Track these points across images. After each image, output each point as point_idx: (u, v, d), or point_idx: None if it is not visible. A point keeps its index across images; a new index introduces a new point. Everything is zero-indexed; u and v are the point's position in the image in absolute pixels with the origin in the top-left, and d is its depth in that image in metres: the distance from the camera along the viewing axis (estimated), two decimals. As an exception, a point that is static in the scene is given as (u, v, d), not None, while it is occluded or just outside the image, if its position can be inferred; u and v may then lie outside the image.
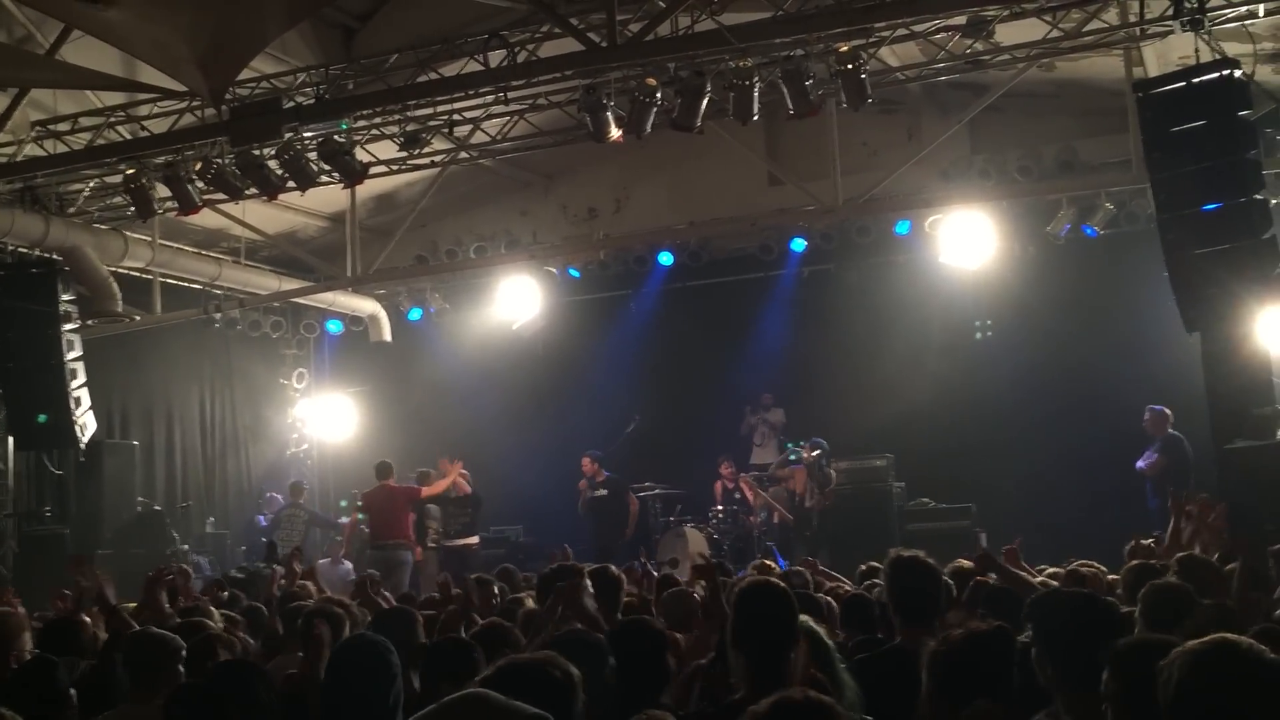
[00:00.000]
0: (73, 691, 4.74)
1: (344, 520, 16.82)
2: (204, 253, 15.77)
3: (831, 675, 4.24)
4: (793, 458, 15.16)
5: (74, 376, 13.04)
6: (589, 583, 5.95)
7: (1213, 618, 4.46)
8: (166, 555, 13.84)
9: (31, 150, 12.55)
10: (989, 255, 13.99)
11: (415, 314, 17.67)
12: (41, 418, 12.92)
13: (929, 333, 15.25)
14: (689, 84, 10.50)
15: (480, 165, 14.98)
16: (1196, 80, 9.56)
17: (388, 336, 17.86)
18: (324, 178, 12.28)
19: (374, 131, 12.64)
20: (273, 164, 11.95)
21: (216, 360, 17.85)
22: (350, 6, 12.73)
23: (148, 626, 5.43)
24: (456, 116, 12.28)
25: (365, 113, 12.03)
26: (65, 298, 13.08)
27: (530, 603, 6.86)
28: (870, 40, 10.71)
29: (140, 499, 15.22)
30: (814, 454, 14.62)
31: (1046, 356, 14.87)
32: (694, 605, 6.10)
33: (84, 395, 13.14)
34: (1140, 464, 12.83)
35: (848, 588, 7.56)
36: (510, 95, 11.63)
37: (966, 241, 13.92)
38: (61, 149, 12.50)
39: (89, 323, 13.83)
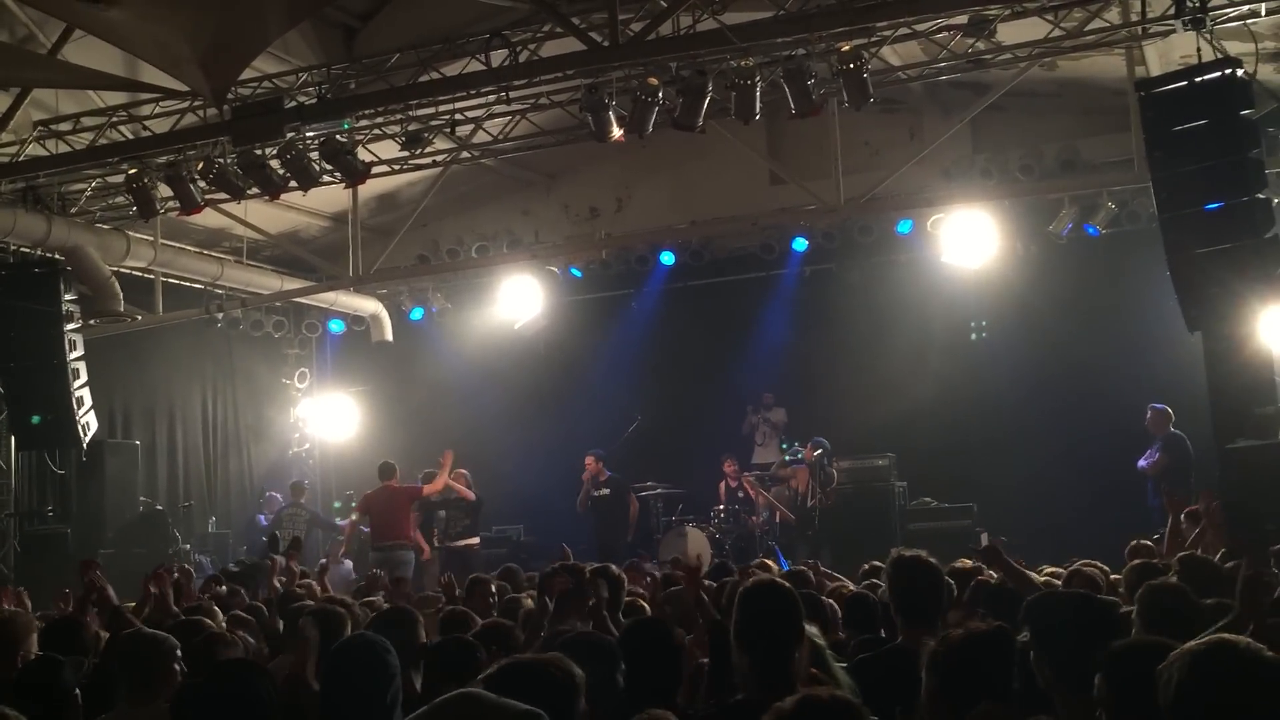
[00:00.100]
0: (77, 692, 4.75)
1: (342, 522, 16.84)
2: (206, 252, 15.78)
3: (827, 674, 4.24)
4: (788, 458, 15.17)
5: (76, 376, 13.04)
6: (602, 582, 5.96)
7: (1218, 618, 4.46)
8: (168, 555, 13.87)
9: (34, 150, 12.56)
10: (991, 255, 13.99)
11: (417, 313, 17.68)
12: (35, 419, 12.91)
13: (931, 332, 15.26)
14: (691, 83, 10.50)
15: (482, 165, 14.98)
16: (1198, 79, 9.54)
17: (389, 336, 17.87)
18: (326, 177, 12.29)
19: (376, 131, 12.64)
20: (274, 164, 11.96)
21: (218, 360, 17.86)
22: (352, 6, 12.72)
23: (140, 627, 5.44)
24: (458, 116, 12.27)
25: (367, 112, 12.03)
26: (67, 297, 13.08)
27: (529, 602, 6.87)
28: (872, 39, 10.71)
29: (142, 498, 15.23)
30: (816, 453, 14.62)
31: (1048, 356, 14.88)
32: (692, 605, 6.10)
33: (86, 395, 13.15)
34: (1142, 463, 12.84)
35: (850, 588, 7.56)
36: (512, 95, 11.63)
37: (968, 241, 13.92)
38: (64, 149, 12.51)
39: (91, 322, 13.83)
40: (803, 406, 16.12)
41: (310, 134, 11.69)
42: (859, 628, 5.99)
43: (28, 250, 13.20)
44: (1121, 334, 14.17)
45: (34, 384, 13.01)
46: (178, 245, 15.15)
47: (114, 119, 12.35)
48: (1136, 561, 6.84)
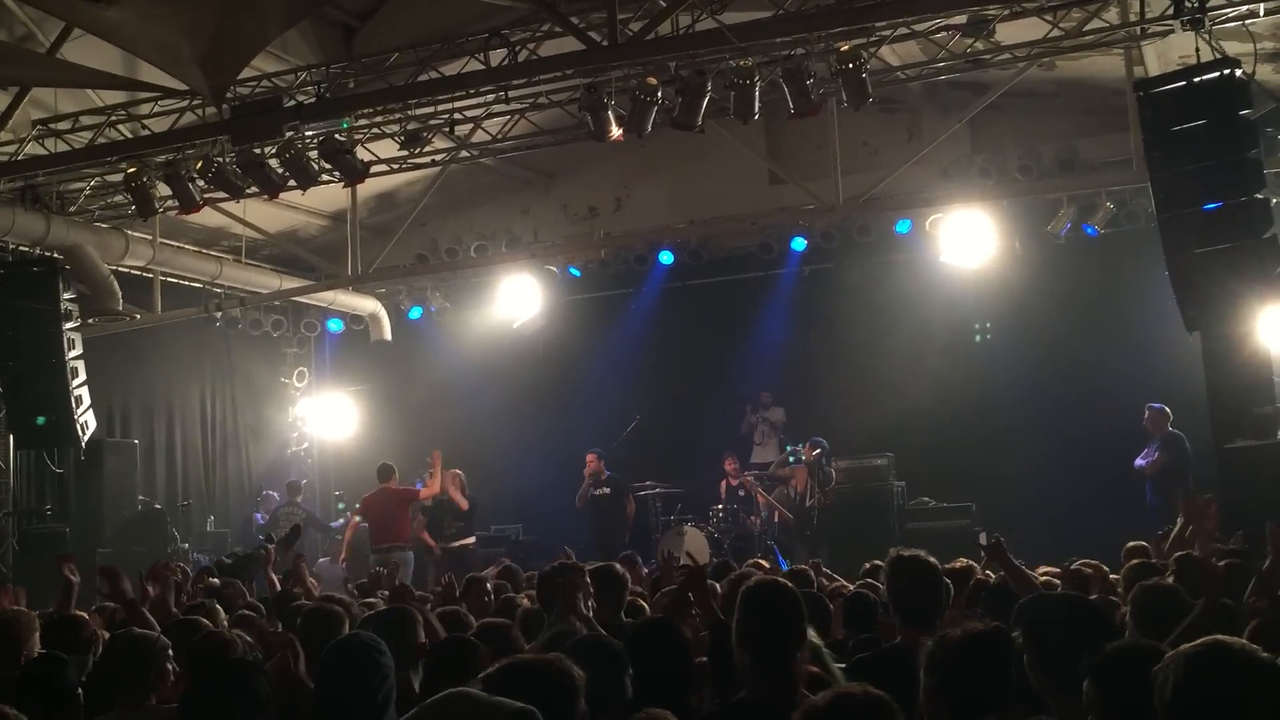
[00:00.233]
0: (79, 691, 4.77)
1: (335, 524, 16.86)
2: (205, 251, 15.78)
3: (826, 673, 4.24)
4: (792, 459, 15.18)
5: (75, 375, 13.04)
6: (589, 581, 5.96)
7: (1211, 616, 4.47)
8: (167, 554, 13.84)
9: (32, 149, 12.55)
10: (989, 254, 14.00)
11: (416, 313, 17.68)
12: (40, 420, 12.91)
13: (929, 332, 15.27)
14: (690, 83, 10.50)
15: (481, 164, 14.99)
16: (1197, 79, 9.55)
17: (388, 335, 17.87)
18: (325, 176, 12.28)
19: (375, 130, 12.64)
20: (273, 163, 11.95)
21: (217, 359, 17.85)
22: (351, 5, 12.72)
23: (132, 627, 5.45)
24: (457, 115, 12.27)
25: (366, 111, 12.03)
26: (66, 296, 13.08)
27: (527, 602, 6.88)
28: (871, 39, 10.70)
29: (141, 497, 15.23)
30: (815, 453, 14.64)
31: (1046, 356, 14.90)
32: (689, 605, 6.10)
33: (84, 394, 13.15)
34: (1140, 462, 12.85)
35: (848, 589, 7.56)
36: (511, 94, 11.62)
37: (967, 241, 13.92)
38: (62, 148, 12.50)
39: (90, 321, 13.83)
40: (801, 406, 16.13)
41: (309, 133, 11.69)
42: (859, 628, 6.00)
43: (26, 249, 13.20)
44: (1120, 334, 14.18)
45: (32, 383, 13.01)
46: (176, 244, 15.15)
47: (113, 118, 12.34)
48: (1135, 561, 6.87)
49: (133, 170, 12.22)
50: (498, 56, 11.06)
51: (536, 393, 17.17)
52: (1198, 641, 2.84)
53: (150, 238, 14.38)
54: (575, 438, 16.11)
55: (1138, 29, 10.51)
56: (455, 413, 17.27)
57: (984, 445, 14.69)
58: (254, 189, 12.30)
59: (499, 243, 16.61)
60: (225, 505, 17.62)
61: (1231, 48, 10.00)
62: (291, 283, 16.52)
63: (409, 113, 12.19)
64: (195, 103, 11.77)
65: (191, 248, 15.54)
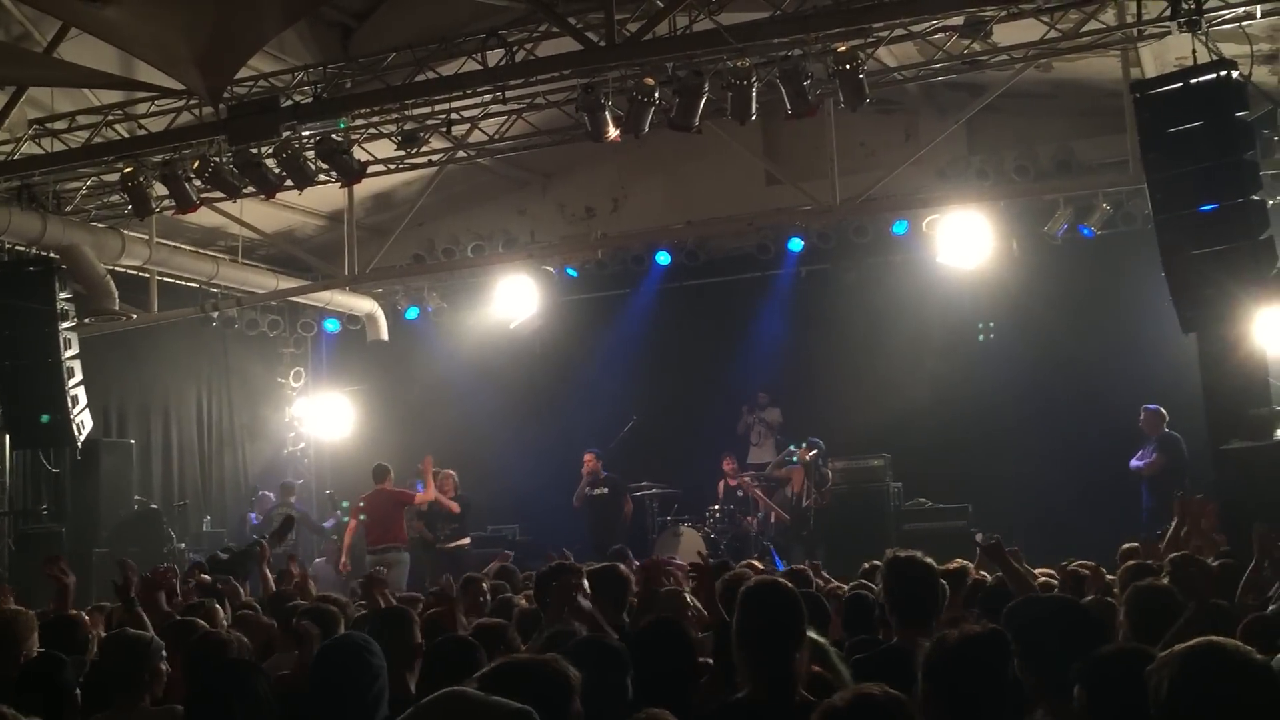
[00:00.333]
0: (77, 691, 4.77)
1: (328, 524, 16.84)
2: (201, 251, 15.77)
3: (832, 673, 4.24)
4: (793, 460, 15.18)
5: (71, 375, 13.01)
6: (585, 582, 5.95)
7: (1202, 618, 4.48)
8: (163, 554, 13.87)
9: (29, 148, 12.53)
10: (986, 255, 14.01)
11: (412, 313, 17.67)
12: (44, 418, 12.89)
13: (926, 333, 15.27)
14: (687, 83, 10.50)
15: (478, 164, 14.99)
16: (1194, 81, 9.55)
17: (385, 335, 17.86)
18: (322, 176, 12.27)
19: (372, 130, 12.63)
20: (270, 163, 11.94)
21: (214, 359, 17.83)
22: (348, 5, 12.72)
23: (125, 628, 5.45)
24: (454, 115, 12.26)
25: (363, 111, 12.02)
26: (62, 296, 13.06)
27: (525, 603, 6.87)
28: (868, 40, 10.70)
29: (137, 497, 15.21)
30: (811, 454, 14.64)
31: (1043, 357, 14.92)
32: (685, 604, 6.11)
33: (81, 393, 13.12)
34: (1136, 463, 12.86)
35: (843, 589, 7.56)
36: (508, 94, 11.61)
37: (964, 241, 13.94)
38: (59, 147, 12.48)
39: (86, 321, 13.81)
40: (798, 407, 16.14)
41: (306, 133, 11.67)
42: (858, 628, 6.00)
43: (23, 249, 13.19)
44: (1116, 335, 14.19)
45: (29, 382, 12.99)
46: (173, 244, 15.13)
47: (109, 117, 12.32)
48: (1131, 563, 6.88)
49: (129, 170, 12.20)
50: (495, 57, 11.06)
51: (533, 393, 17.17)
52: (1191, 642, 2.85)
53: (147, 237, 14.37)
54: (572, 438, 16.11)
55: (1134, 30, 10.52)
56: (452, 413, 17.27)
57: (981, 446, 14.70)
58: (251, 189, 12.28)
59: (496, 243, 16.61)
60: (221, 505, 17.60)
61: (1228, 49, 10.03)
62: (288, 283, 16.51)
63: (406, 113, 12.19)
64: (192, 102, 11.77)
65: (188, 247, 15.53)
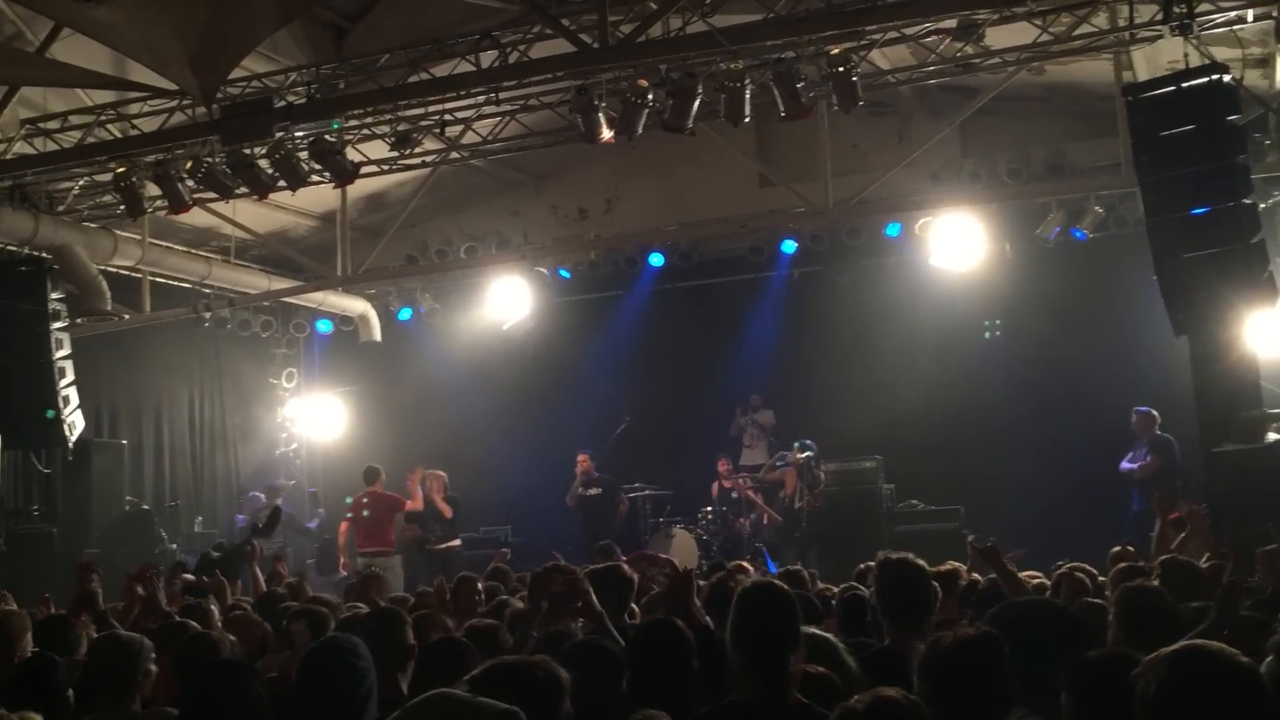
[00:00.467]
0: (70, 692, 4.77)
1: (311, 524, 16.83)
2: (194, 251, 15.73)
3: (841, 671, 4.23)
4: (785, 463, 15.18)
5: (62, 375, 12.98)
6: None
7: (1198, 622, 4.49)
8: (154, 554, 13.83)
9: (21, 148, 12.51)
10: (979, 258, 14.04)
11: (405, 314, 17.66)
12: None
13: (919, 335, 15.28)
14: (680, 85, 10.51)
15: (471, 165, 14.98)
16: (1185, 85, 9.58)
17: (378, 336, 17.85)
18: (315, 177, 12.27)
19: (365, 131, 12.63)
20: (263, 163, 11.92)
21: (206, 359, 17.80)
22: (341, 6, 12.70)
23: (115, 630, 5.45)
24: (448, 117, 12.27)
25: (356, 112, 12.00)
26: (54, 296, 13.03)
27: (519, 604, 6.86)
28: (861, 43, 10.71)
29: (128, 498, 15.18)
30: (803, 456, 14.66)
31: (1035, 359, 14.96)
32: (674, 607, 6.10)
33: (72, 394, 13.09)
34: (1128, 465, 12.88)
35: (833, 590, 7.57)
36: (502, 96, 11.62)
37: (956, 244, 13.97)
38: (51, 147, 12.46)
39: (78, 321, 13.78)
40: (790, 408, 16.17)
41: (299, 134, 11.65)
42: (854, 630, 6.00)
43: (14, 249, 13.14)
44: (1108, 338, 14.22)
45: (20, 383, 12.95)
46: (165, 244, 15.10)
47: (102, 117, 12.31)
48: (1122, 565, 6.89)
49: (122, 170, 12.19)
50: (488, 58, 11.07)
51: (526, 394, 17.17)
52: (1176, 646, 2.88)
53: (139, 238, 14.34)
54: (564, 440, 16.12)
55: (1126, 34, 10.55)
56: (445, 414, 17.27)
57: (973, 448, 14.73)
58: (244, 189, 12.27)
59: (489, 244, 16.60)
60: (213, 506, 17.56)
61: (1220, 53, 10.05)
62: (281, 283, 16.49)
63: (399, 114, 12.18)
64: (185, 103, 11.76)
65: (180, 248, 15.50)
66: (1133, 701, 2.85)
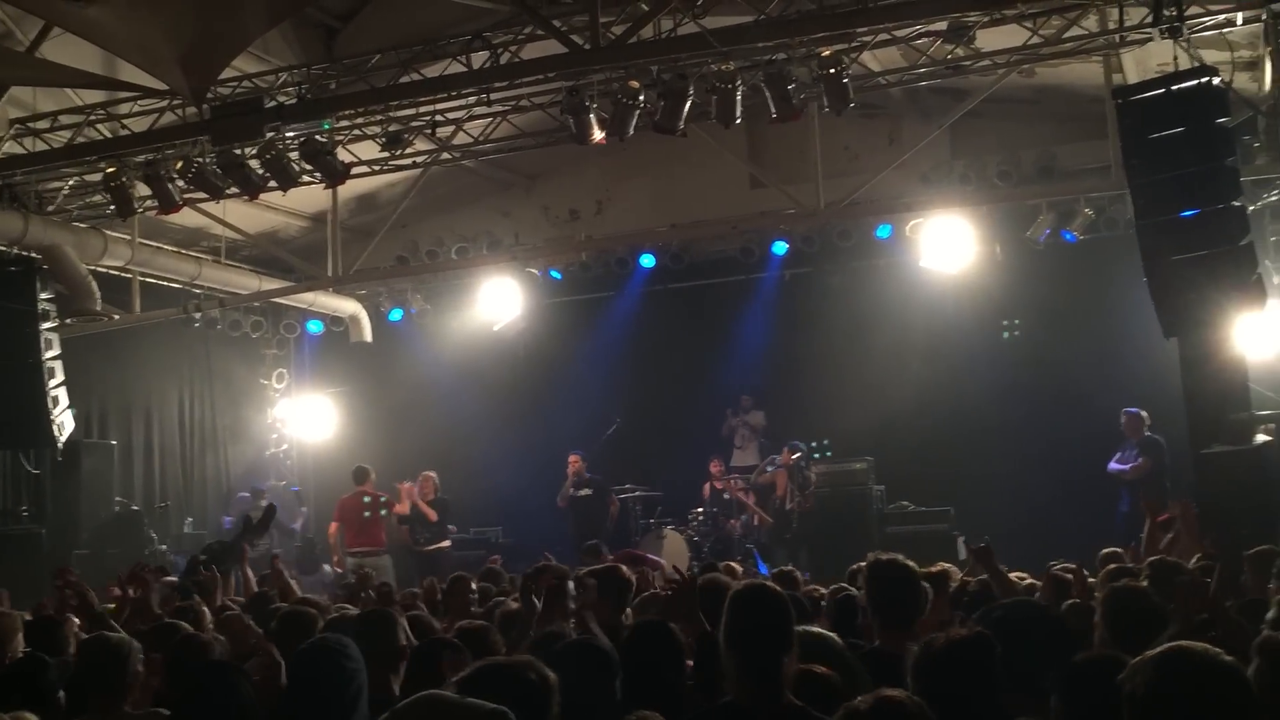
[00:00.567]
0: (61, 693, 4.76)
1: (295, 525, 16.81)
2: (184, 252, 15.70)
3: (847, 671, 4.24)
4: (770, 468, 15.18)
5: (52, 375, 12.93)
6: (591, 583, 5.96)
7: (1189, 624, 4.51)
8: (144, 555, 13.79)
9: (10, 148, 12.48)
10: (969, 260, 14.07)
11: (396, 314, 17.65)
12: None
13: (909, 337, 15.30)
14: (671, 87, 10.51)
15: (462, 166, 14.96)
16: (1175, 87, 9.60)
17: (368, 337, 17.83)
18: (305, 178, 12.25)
19: (356, 132, 12.61)
20: (254, 163, 11.91)
21: (196, 360, 17.75)
22: (332, 6, 12.69)
23: (102, 632, 5.44)
24: (439, 117, 12.25)
25: (347, 113, 12.00)
26: (44, 296, 12.98)
27: (513, 604, 6.86)
28: (852, 45, 10.73)
29: (118, 499, 15.14)
30: (794, 457, 14.68)
31: (1025, 361, 15.01)
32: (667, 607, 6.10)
33: (62, 394, 13.05)
34: (1117, 466, 12.90)
35: (821, 592, 7.58)
36: (493, 96, 11.61)
37: (947, 246, 13.99)
38: (41, 147, 12.43)
39: (67, 321, 13.74)
40: (781, 409, 16.18)
41: (290, 134, 11.64)
42: (843, 632, 6.01)
43: (4, 249, 13.09)
44: (1098, 340, 14.26)
45: (9, 383, 12.91)
46: (155, 244, 15.07)
47: (92, 117, 12.28)
48: (1111, 566, 6.92)
49: (112, 170, 12.16)
50: (479, 59, 11.06)
51: (516, 395, 17.16)
52: (1162, 648, 2.91)
53: (129, 238, 14.31)
54: (555, 441, 16.12)
55: (1116, 37, 10.59)
56: (435, 415, 17.26)
57: (963, 450, 14.77)
58: (234, 190, 12.25)
59: (480, 245, 16.59)
60: (203, 507, 17.53)
61: (1209, 56, 10.09)
62: (271, 284, 16.47)
63: (390, 114, 12.18)
64: (175, 103, 11.73)
65: (171, 248, 15.47)
66: (1120, 703, 2.87)
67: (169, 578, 9.00)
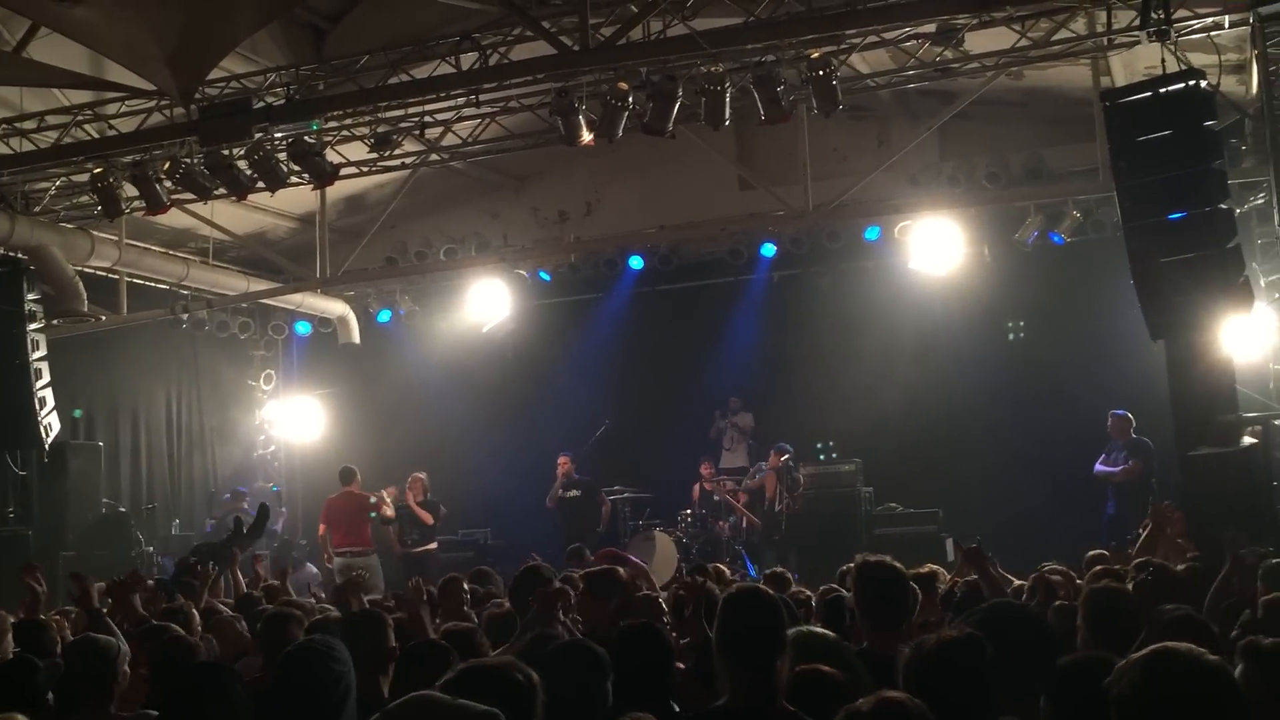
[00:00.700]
0: (50, 696, 4.75)
1: (275, 526, 16.76)
2: (171, 253, 15.65)
3: (851, 671, 4.24)
4: (758, 474, 15.18)
5: (38, 376, 12.89)
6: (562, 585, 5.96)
7: (1176, 624, 4.52)
8: (131, 557, 13.76)
9: (-3, 148, 12.44)
10: (957, 262, 14.09)
11: (384, 316, 17.62)
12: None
13: (898, 339, 15.33)
14: (661, 88, 10.52)
15: (451, 167, 14.95)
16: (1163, 90, 9.63)
17: (356, 338, 17.79)
18: (294, 178, 12.23)
19: (344, 133, 12.60)
20: (242, 164, 11.89)
21: (183, 361, 17.70)
22: (321, 7, 12.66)
23: (88, 633, 5.43)
24: (427, 118, 12.25)
25: (336, 114, 11.98)
26: (30, 297, 12.93)
27: (507, 604, 6.86)
28: (841, 47, 10.76)
29: (105, 500, 15.07)
30: (782, 459, 14.69)
31: (1013, 363, 15.04)
32: (660, 610, 6.11)
33: (48, 395, 13.00)
34: (1105, 469, 12.91)
35: (806, 593, 7.59)
36: (482, 98, 11.62)
37: (935, 248, 14.02)
38: (28, 147, 12.39)
39: (54, 322, 13.69)
40: (770, 411, 16.20)
41: (278, 135, 11.63)
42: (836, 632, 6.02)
43: (-9, 249, 13.08)
44: (1086, 342, 14.31)
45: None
46: (143, 245, 15.02)
47: (79, 118, 12.24)
48: (1099, 568, 6.93)
49: (99, 170, 12.13)
50: (468, 60, 11.05)
51: (505, 397, 17.15)
52: (1147, 649, 2.93)
53: (116, 238, 14.27)
54: (543, 442, 16.11)
55: (1104, 40, 10.62)
56: (423, 416, 17.23)
57: (951, 451, 14.80)
58: (222, 190, 12.23)
59: (468, 246, 16.58)
60: (190, 508, 17.47)
61: (1196, 59, 10.11)
62: (259, 285, 16.42)
63: (379, 115, 12.16)
64: (163, 103, 11.70)
65: (158, 249, 15.42)
66: (1107, 704, 2.89)
67: (150, 581, 8.98)
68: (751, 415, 16.29)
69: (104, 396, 16.36)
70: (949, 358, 15.33)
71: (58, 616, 7.45)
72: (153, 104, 11.78)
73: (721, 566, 9.80)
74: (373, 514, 14.40)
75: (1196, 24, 9.87)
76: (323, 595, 9.73)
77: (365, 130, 12.46)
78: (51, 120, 12.32)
